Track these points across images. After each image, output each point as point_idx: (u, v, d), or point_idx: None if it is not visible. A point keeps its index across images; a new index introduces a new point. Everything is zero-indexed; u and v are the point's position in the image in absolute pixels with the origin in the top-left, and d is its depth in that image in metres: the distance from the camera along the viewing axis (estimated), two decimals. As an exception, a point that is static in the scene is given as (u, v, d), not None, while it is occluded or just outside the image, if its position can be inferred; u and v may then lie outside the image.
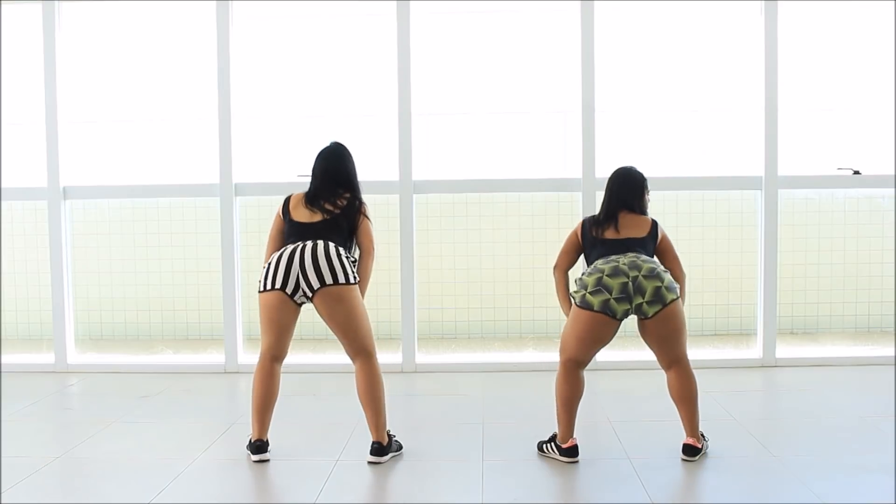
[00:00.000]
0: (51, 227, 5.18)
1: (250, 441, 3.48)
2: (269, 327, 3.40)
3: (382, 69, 5.13)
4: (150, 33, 5.31)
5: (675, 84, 5.24)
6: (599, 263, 3.35)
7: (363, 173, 5.09)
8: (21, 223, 5.41)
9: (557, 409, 3.42)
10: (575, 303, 3.34)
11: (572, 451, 3.38)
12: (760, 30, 4.99)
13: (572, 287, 3.44)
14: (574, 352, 3.36)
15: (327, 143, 3.64)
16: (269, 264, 3.38)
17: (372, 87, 5.24)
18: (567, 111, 5.20)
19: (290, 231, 3.49)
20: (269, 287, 3.35)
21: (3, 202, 5.27)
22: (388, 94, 5.08)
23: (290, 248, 3.38)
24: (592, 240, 3.50)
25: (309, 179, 3.61)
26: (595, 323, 3.27)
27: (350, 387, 4.77)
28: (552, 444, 3.45)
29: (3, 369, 5.09)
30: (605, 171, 4.91)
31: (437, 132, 5.36)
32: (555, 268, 3.62)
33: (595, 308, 3.25)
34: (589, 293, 3.27)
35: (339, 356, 5.26)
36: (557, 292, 3.57)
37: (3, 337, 5.38)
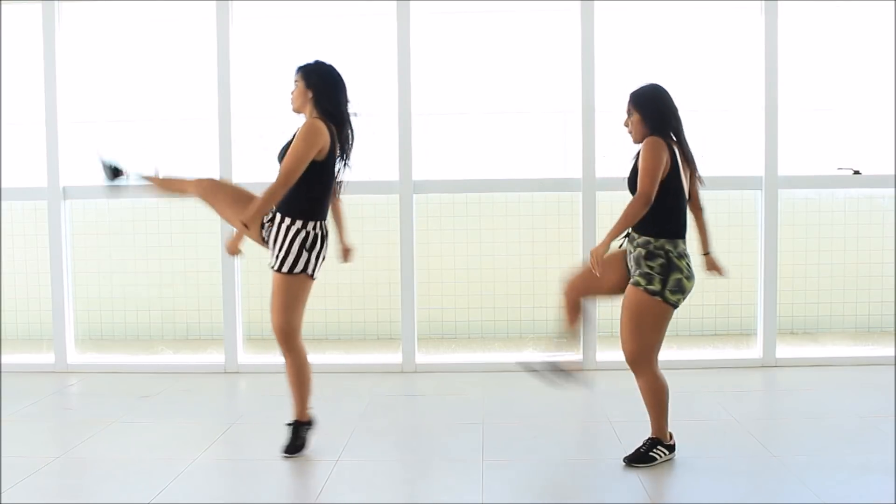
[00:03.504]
0: (51, 227, 5.18)
1: (307, 423, 3.54)
2: (301, 307, 3.47)
3: (382, 69, 5.12)
4: (150, 33, 5.31)
5: (675, 84, 5.20)
6: (684, 248, 3.30)
7: (363, 173, 5.12)
8: (21, 223, 5.41)
9: (663, 409, 3.32)
10: (658, 295, 3.22)
11: (674, 445, 3.39)
12: (760, 30, 4.99)
13: (645, 267, 3.22)
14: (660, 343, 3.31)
15: (325, 62, 3.53)
16: (315, 247, 3.39)
17: (372, 87, 5.23)
18: (567, 111, 5.20)
19: (325, 192, 3.45)
20: (313, 275, 3.44)
21: (3, 202, 5.27)
22: (388, 94, 5.08)
23: (328, 236, 3.48)
24: (677, 174, 3.23)
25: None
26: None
27: (350, 387, 4.79)
28: (658, 447, 3.35)
29: (3, 369, 5.09)
30: (605, 172, 4.97)
31: (437, 132, 5.36)
32: (650, 199, 3.13)
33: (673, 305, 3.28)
34: (670, 291, 3.23)
35: (339, 356, 5.28)
36: (621, 225, 3.15)
37: (3, 337, 5.38)
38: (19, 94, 5.28)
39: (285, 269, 3.38)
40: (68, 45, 5.22)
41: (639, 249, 3.25)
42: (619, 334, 3.33)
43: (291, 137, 3.49)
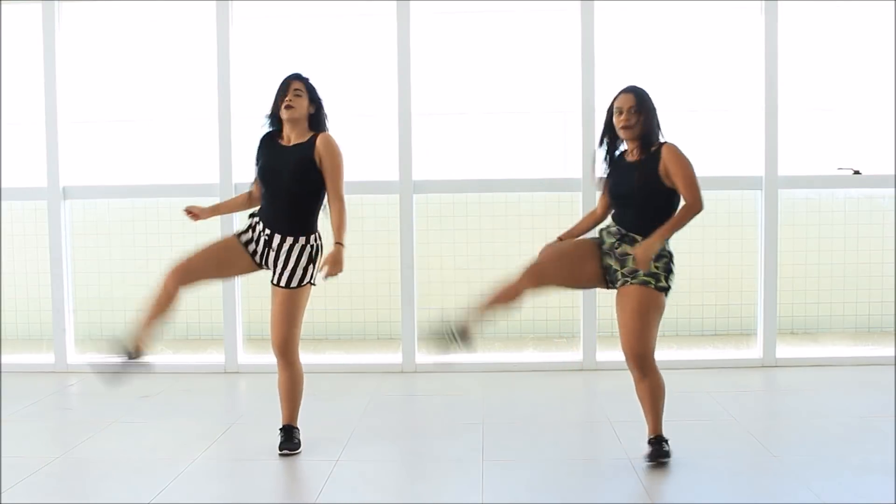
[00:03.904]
0: (51, 227, 5.18)
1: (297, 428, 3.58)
2: (302, 317, 3.52)
3: (382, 69, 5.12)
4: (150, 33, 5.31)
5: (674, 84, 5.23)
6: None
7: (363, 173, 5.12)
8: (21, 223, 5.41)
9: (662, 405, 3.32)
10: (665, 292, 3.26)
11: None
12: (760, 30, 4.99)
13: (653, 268, 3.22)
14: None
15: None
16: (318, 256, 3.48)
17: (372, 87, 5.23)
18: (567, 111, 5.20)
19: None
20: (314, 282, 3.51)
21: (3, 202, 5.27)
22: (388, 94, 5.08)
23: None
24: None
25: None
26: None
27: (350, 387, 4.79)
28: (663, 441, 3.34)
29: (3, 369, 5.09)
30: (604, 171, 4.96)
31: (437, 132, 5.36)
32: (702, 206, 3.24)
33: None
34: (670, 287, 3.30)
35: (338, 356, 5.28)
36: (674, 229, 3.21)
37: (3, 337, 5.38)
38: (19, 94, 5.28)
39: (294, 284, 3.39)
40: (68, 45, 5.22)
41: None
42: (621, 336, 3.30)
43: (267, 156, 3.44)
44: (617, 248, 3.29)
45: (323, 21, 5.27)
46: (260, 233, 3.44)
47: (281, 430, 3.54)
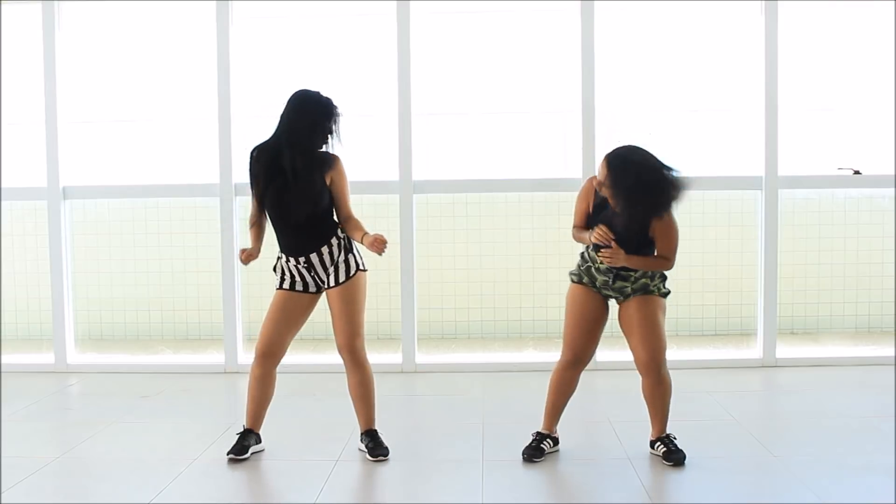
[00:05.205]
0: (51, 227, 5.17)
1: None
2: None
3: (382, 69, 5.12)
4: (150, 33, 5.31)
5: (675, 84, 5.24)
6: None
7: (363, 173, 5.10)
8: (21, 223, 5.41)
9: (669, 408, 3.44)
10: (665, 295, 3.42)
11: None
12: (760, 30, 4.99)
13: (657, 279, 3.40)
14: None
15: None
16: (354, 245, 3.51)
17: (372, 87, 5.23)
18: (567, 111, 5.20)
19: None
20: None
21: (3, 202, 5.27)
22: (388, 94, 5.07)
23: None
24: None
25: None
26: None
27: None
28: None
29: (3, 369, 5.09)
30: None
31: (437, 132, 5.36)
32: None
33: None
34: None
35: (339, 356, 5.27)
36: (643, 266, 3.37)
37: (3, 337, 5.38)
38: (19, 94, 5.28)
39: (342, 278, 3.37)
40: (68, 45, 5.21)
41: (643, 280, 3.33)
42: (630, 342, 3.39)
43: (274, 190, 3.36)
44: (613, 285, 3.35)
45: (323, 21, 5.27)
46: (294, 266, 3.40)
47: (364, 435, 3.49)
